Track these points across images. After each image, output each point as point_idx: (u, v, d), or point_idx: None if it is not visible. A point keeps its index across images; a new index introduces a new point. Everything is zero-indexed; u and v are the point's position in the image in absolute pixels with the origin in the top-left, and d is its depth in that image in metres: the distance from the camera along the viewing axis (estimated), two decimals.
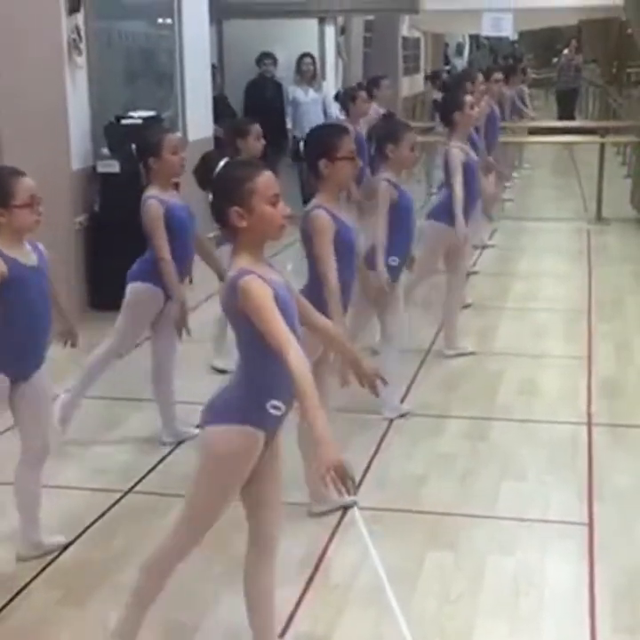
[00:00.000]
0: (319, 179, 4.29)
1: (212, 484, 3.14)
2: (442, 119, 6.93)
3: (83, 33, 7.51)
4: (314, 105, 11.33)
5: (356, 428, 5.31)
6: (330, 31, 12.22)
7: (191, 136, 9.49)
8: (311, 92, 11.30)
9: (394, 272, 5.39)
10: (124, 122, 7.68)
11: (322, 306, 3.96)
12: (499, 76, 10.60)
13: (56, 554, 4.14)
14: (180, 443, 5.22)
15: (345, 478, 2.71)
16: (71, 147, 7.38)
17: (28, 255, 3.86)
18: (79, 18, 7.45)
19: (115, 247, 7.40)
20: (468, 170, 6.45)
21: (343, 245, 4.30)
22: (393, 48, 18.55)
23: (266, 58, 11.31)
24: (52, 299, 4.03)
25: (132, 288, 5.19)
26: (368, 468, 4.92)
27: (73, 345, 4.51)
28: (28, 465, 4.03)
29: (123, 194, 7.39)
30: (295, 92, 11.35)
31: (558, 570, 4.07)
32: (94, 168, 7.68)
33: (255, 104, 11.34)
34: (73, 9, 7.36)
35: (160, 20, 9.37)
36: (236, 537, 4.03)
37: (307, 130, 11.88)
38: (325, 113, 11.49)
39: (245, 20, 11.53)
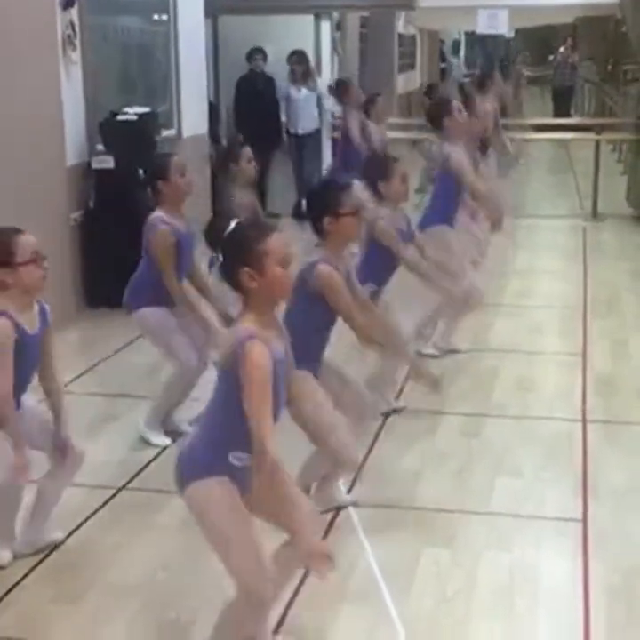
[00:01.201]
0: (324, 235, 4.21)
1: (221, 530, 3.11)
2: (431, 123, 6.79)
3: (77, 28, 7.47)
4: (307, 102, 11.31)
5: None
6: (325, 27, 12.18)
7: (186, 132, 9.49)
8: (304, 90, 11.29)
9: (373, 297, 5.19)
10: (119, 118, 7.66)
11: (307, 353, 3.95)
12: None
13: (49, 550, 4.13)
14: (174, 440, 5.20)
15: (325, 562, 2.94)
16: (66, 142, 7.36)
17: (33, 321, 3.83)
18: (74, 13, 7.41)
19: (110, 243, 7.40)
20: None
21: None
22: (389, 45, 18.54)
23: (256, 53, 11.28)
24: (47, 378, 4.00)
25: (141, 317, 5.19)
26: (363, 464, 4.90)
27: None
28: (56, 476, 4.05)
29: (118, 190, 7.41)
30: (289, 88, 11.35)
31: (553, 566, 4.07)
32: (89, 164, 7.65)
33: (246, 99, 11.32)
34: (67, 4, 7.33)
35: (155, 16, 9.34)
36: None
37: (300, 126, 11.84)
38: (320, 110, 11.48)
39: (241, 16, 11.48)
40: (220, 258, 3.08)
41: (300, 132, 11.38)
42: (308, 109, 11.33)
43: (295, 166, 11.49)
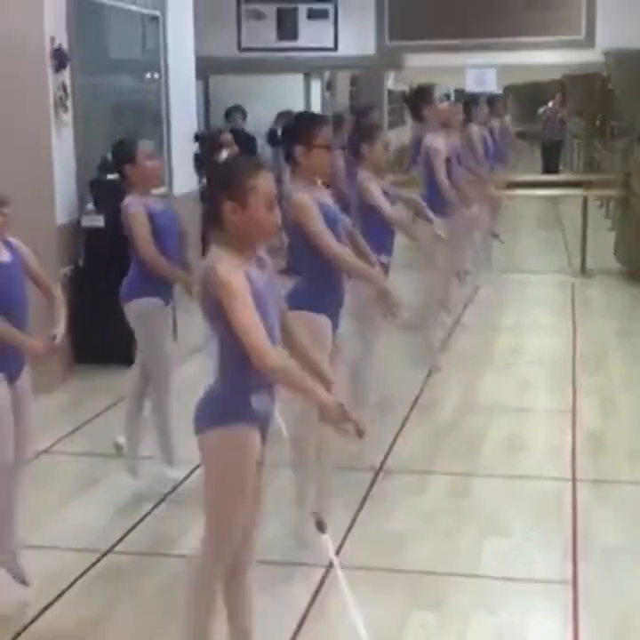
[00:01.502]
0: (295, 166, 4.31)
1: (223, 490, 3.15)
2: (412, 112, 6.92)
3: (69, 90, 7.56)
4: None
5: (339, 485, 5.25)
6: (316, 86, 12.36)
7: (177, 190, 9.54)
8: None
9: (385, 271, 5.43)
10: (108, 177, 7.70)
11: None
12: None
13: (31, 617, 4.06)
14: (160, 501, 5.16)
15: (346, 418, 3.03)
16: (56, 201, 7.39)
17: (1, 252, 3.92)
18: (65, 74, 7.50)
19: (99, 301, 7.40)
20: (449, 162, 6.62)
21: (328, 222, 4.34)
22: (378, 101, 18.72)
23: (235, 111, 11.30)
24: (45, 294, 4.10)
25: (129, 309, 5.16)
26: (351, 526, 4.88)
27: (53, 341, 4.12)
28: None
29: (107, 248, 7.42)
30: (278, 151, 11.38)
31: (542, 629, 4.05)
32: (79, 222, 7.69)
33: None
34: (60, 66, 7.42)
35: (147, 75, 9.46)
36: None
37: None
38: None
39: (232, 76, 11.64)
40: (205, 184, 3.11)
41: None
42: None
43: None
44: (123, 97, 9.02)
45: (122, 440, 5.35)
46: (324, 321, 4.35)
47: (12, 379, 3.96)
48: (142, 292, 5.10)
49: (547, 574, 4.45)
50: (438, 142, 6.55)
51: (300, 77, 12.06)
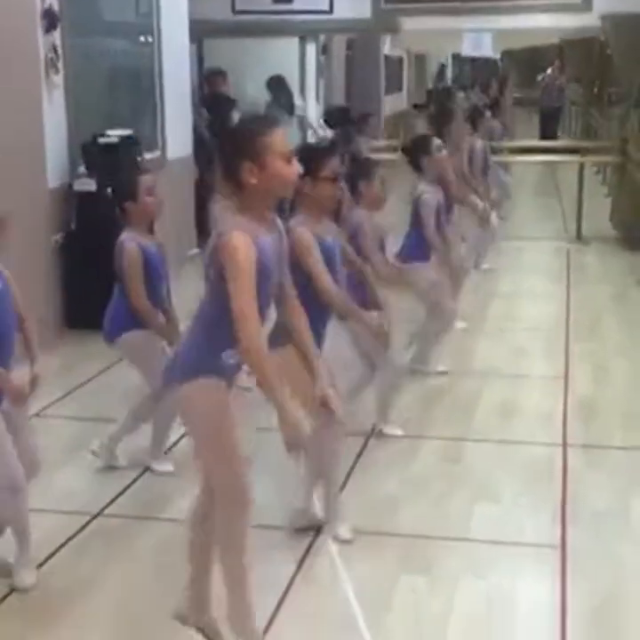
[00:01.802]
0: (301, 199, 4.20)
1: (212, 436, 3.19)
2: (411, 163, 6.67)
3: (60, 51, 7.48)
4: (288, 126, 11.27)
5: None
6: (311, 50, 12.24)
7: (170, 154, 9.48)
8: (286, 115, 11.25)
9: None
10: (100, 140, 7.65)
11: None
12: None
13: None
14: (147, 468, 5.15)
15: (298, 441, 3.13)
16: (47, 165, 7.34)
17: None
18: (56, 36, 7.42)
19: (91, 265, 7.36)
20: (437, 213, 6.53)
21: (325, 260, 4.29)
22: (375, 67, 18.61)
23: (215, 75, 11.12)
24: (19, 322, 3.98)
25: (122, 343, 5.08)
26: (342, 488, 4.85)
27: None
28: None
29: (99, 212, 7.37)
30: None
31: (530, 593, 4.04)
32: (71, 186, 7.64)
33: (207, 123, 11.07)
34: (50, 27, 7.33)
35: (139, 39, 9.36)
36: None
37: None
38: (304, 133, 11.45)
39: (226, 39, 11.52)
40: (220, 153, 3.07)
41: None
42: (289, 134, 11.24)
43: None
44: (115, 60, 8.93)
45: (96, 447, 5.24)
46: None
47: None
48: (129, 326, 5.01)
49: (536, 538, 4.45)
50: (431, 195, 6.45)
51: (295, 41, 11.93)
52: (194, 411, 3.23)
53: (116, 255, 4.99)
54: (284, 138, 3.05)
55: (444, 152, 6.72)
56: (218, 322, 3.12)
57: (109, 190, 5.14)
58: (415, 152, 6.59)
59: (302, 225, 4.20)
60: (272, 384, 3.09)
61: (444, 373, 6.64)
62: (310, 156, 4.25)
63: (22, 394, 3.91)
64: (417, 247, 6.50)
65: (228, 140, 3.11)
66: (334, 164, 4.27)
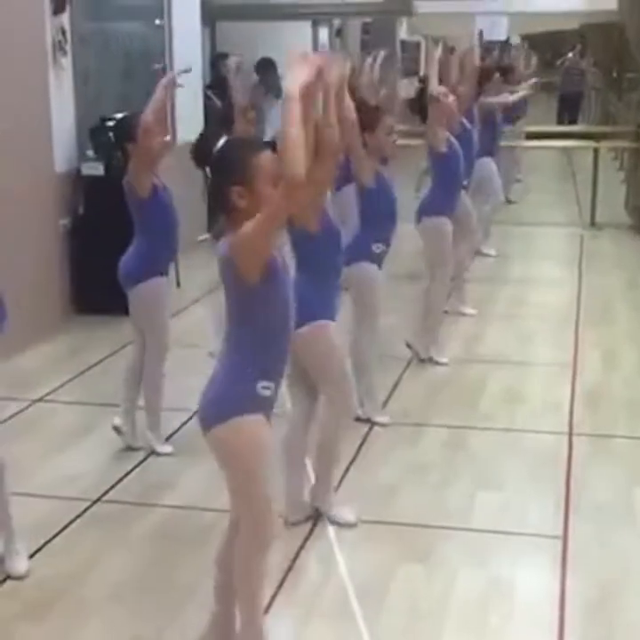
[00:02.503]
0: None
1: (248, 475, 3.12)
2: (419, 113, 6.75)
3: (68, 34, 7.43)
4: (273, 109, 11.14)
5: None
6: (323, 34, 12.16)
7: (180, 138, 9.41)
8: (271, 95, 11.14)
9: (379, 259, 5.37)
10: (109, 124, 7.59)
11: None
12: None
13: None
14: (152, 451, 5.13)
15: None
16: (55, 149, 7.31)
17: None
18: (64, 18, 7.37)
19: (99, 250, 7.32)
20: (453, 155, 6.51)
21: None
22: (390, 51, 18.46)
23: (221, 59, 11.07)
24: None
25: (140, 291, 5.01)
26: (343, 477, 4.84)
27: None
28: None
29: (107, 196, 7.34)
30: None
31: (530, 583, 4.01)
32: (79, 170, 7.61)
33: (213, 108, 10.99)
34: (58, 9, 7.29)
35: (149, 21, 9.30)
36: (199, 549, 4.00)
37: (269, 133, 11.72)
38: None
39: (239, 23, 11.46)
40: (209, 175, 3.02)
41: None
42: (275, 118, 11.13)
43: None
44: (125, 43, 8.87)
45: (118, 421, 5.22)
46: None
47: None
48: (146, 273, 4.98)
49: (537, 528, 4.40)
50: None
51: (307, 25, 11.85)
52: (232, 454, 3.11)
53: (127, 193, 4.92)
54: (271, 160, 2.98)
55: (451, 98, 6.65)
56: (249, 343, 3.05)
57: (111, 135, 5.01)
58: (420, 102, 6.59)
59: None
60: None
61: (444, 364, 6.58)
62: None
63: None
64: (434, 203, 6.49)
65: (216, 166, 3.04)
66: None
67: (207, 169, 3.08)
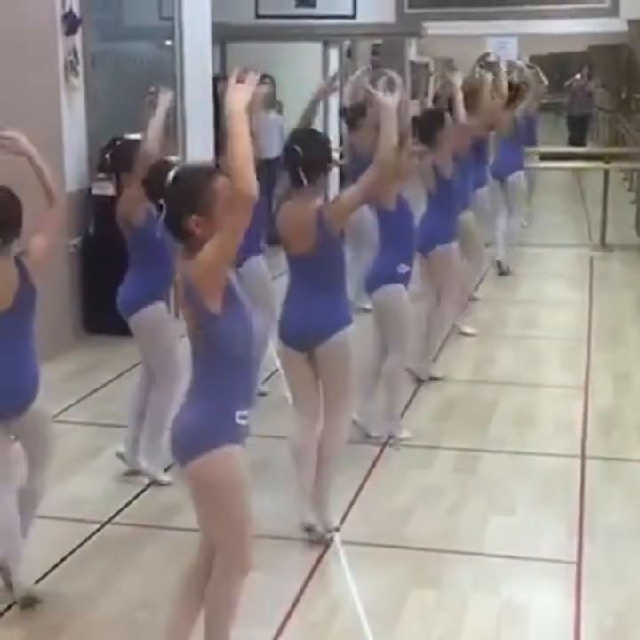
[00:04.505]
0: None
1: (225, 512, 3.08)
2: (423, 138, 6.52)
3: (80, 54, 7.46)
4: (270, 126, 11.15)
5: (344, 458, 5.18)
6: (334, 54, 12.19)
7: (191, 158, 9.43)
8: (273, 114, 11.16)
9: (405, 279, 5.39)
10: (119, 144, 7.60)
11: None
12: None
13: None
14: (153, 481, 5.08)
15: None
16: (66, 168, 7.31)
17: None
18: (77, 39, 7.40)
19: (109, 270, 7.32)
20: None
21: None
22: (400, 71, 18.50)
23: (223, 80, 11.12)
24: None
25: (136, 321, 5.00)
26: (354, 500, 4.81)
27: None
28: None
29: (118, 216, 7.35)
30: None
31: (544, 610, 3.96)
32: (90, 190, 7.62)
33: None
34: (71, 30, 7.32)
35: (160, 42, 9.34)
36: None
37: (265, 151, 11.65)
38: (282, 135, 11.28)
39: (249, 43, 11.49)
40: (164, 206, 2.98)
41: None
42: (271, 134, 11.09)
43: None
44: (137, 63, 8.91)
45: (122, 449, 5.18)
46: None
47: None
48: (145, 300, 4.95)
49: (551, 554, 4.36)
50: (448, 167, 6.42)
51: (318, 46, 11.87)
52: (211, 486, 3.05)
53: (119, 221, 4.97)
54: (225, 185, 2.93)
55: (459, 125, 6.65)
56: (220, 372, 3.01)
57: (107, 157, 5.00)
58: (429, 124, 6.47)
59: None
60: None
61: (437, 379, 6.57)
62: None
63: None
64: (438, 229, 6.42)
65: (170, 197, 2.98)
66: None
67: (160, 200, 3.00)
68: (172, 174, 3.01)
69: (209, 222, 2.94)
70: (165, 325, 5.06)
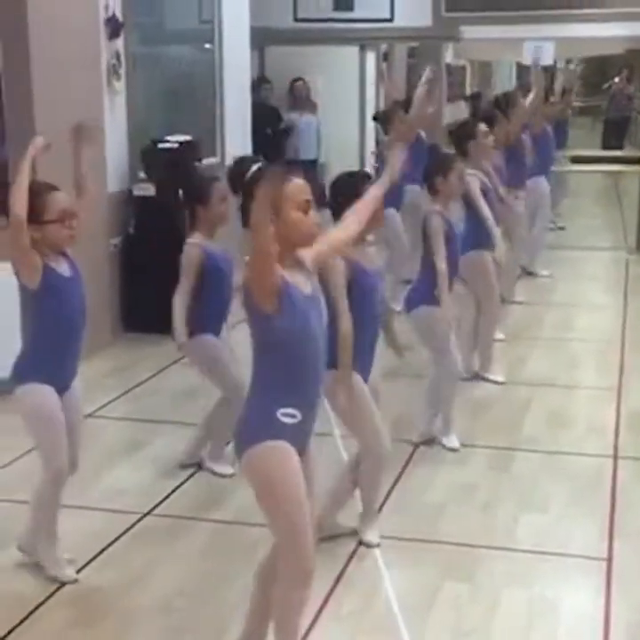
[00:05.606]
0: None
1: (278, 504, 3.10)
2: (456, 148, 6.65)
3: (122, 58, 7.61)
4: (307, 128, 11.26)
5: None
6: (371, 58, 12.27)
7: (229, 160, 9.56)
8: (306, 115, 11.26)
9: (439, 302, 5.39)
10: (160, 146, 7.76)
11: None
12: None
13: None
14: (200, 466, 5.22)
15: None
16: (108, 169, 7.46)
17: (63, 267, 3.96)
18: (119, 43, 7.55)
19: (149, 269, 7.48)
20: (485, 196, 6.50)
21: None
22: (436, 75, 18.53)
23: (261, 82, 11.24)
24: None
25: (191, 348, 4.99)
26: (388, 495, 4.89)
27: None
28: (52, 482, 4.01)
29: (158, 217, 7.49)
30: (290, 114, 11.33)
31: (574, 605, 4.02)
32: (130, 191, 7.76)
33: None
34: (113, 34, 7.47)
35: (200, 45, 9.48)
36: (246, 564, 4.04)
37: (302, 152, 11.68)
38: (319, 136, 11.38)
39: (287, 47, 11.60)
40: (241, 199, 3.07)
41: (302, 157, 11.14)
42: (307, 136, 11.18)
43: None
44: (177, 67, 9.06)
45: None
46: None
47: (60, 392, 3.99)
48: (197, 330, 4.94)
49: (582, 551, 4.42)
50: (474, 181, 6.43)
51: (355, 49, 11.97)
52: (258, 479, 3.11)
53: (182, 258, 4.96)
54: (299, 187, 3.04)
55: (491, 139, 6.69)
56: (269, 370, 3.09)
57: (180, 192, 5.07)
58: (462, 136, 6.58)
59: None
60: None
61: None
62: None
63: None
64: (470, 238, 6.43)
65: (246, 192, 3.07)
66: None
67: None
68: (251, 171, 3.12)
69: (277, 219, 2.99)
70: (214, 352, 5.03)
